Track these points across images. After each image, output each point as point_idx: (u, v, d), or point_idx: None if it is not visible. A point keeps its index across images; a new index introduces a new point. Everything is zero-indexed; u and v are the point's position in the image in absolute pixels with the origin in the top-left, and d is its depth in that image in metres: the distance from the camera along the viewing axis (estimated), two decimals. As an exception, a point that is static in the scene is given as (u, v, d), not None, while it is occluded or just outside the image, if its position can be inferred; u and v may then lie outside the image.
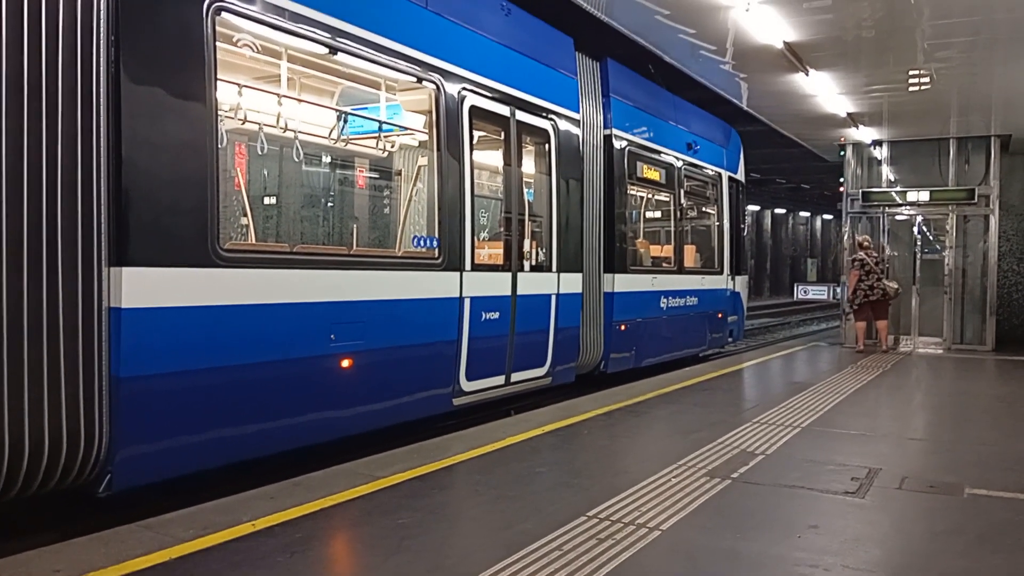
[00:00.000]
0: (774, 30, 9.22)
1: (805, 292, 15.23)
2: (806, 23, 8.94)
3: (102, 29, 4.17)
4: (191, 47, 4.66)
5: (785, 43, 9.61)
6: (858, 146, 15.45)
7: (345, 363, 5.67)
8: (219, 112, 4.96)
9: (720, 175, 13.05)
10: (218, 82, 4.86)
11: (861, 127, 14.31)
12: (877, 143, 15.41)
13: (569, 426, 6.61)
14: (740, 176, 14.02)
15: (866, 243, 13.24)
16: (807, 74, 10.84)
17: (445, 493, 4.71)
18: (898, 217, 15.10)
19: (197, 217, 4.64)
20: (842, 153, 15.49)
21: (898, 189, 14.83)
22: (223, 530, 3.86)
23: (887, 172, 15.64)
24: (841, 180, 15.57)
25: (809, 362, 12.52)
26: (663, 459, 5.43)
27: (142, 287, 4.32)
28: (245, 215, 6.10)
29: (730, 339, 13.72)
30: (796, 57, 10.13)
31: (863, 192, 14.78)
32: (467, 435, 6.17)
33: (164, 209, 4.50)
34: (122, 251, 4.22)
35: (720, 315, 12.90)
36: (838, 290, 14.51)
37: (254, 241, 6.07)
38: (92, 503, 4.49)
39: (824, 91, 11.96)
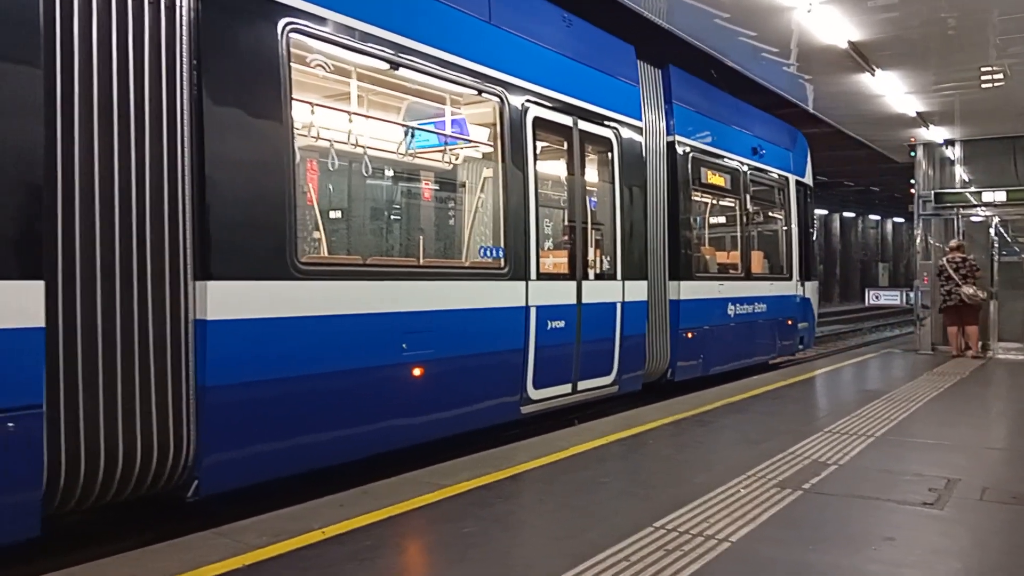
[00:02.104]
0: (838, 30, 9.04)
1: (876, 297, 14.74)
2: (870, 22, 8.75)
3: (184, 54, 4.39)
4: (267, 68, 4.85)
5: (850, 43, 9.42)
6: (929, 146, 15.00)
7: (416, 371, 5.80)
8: (294, 130, 5.12)
9: (787, 179, 12.80)
10: (293, 101, 5.04)
11: (932, 127, 13.90)
12: (949, 143, 14.94)
13: (634, 436, 6.56)
14: (808, 180, 13.79)
15: (954, 247, 12.83)
16: (873, 74, 10.59)
17: (509, 502, 4.72)
18: (973, 219, 14.58)
19: (276, 232, 4.82)
20: (912, 154, 15.06)
21: (972, 190, 14.32)
22: (294, 537, 3.93)
23: (960, 172, 15.14)
24: (912, 181, 15.14)
25: (882, 369, 12.16)
26: (731, 469, 5.33)
27: (225, 300, 4.50)
28: (318, 229, 6.26)
29: (800, 346, 13.46)
30: (861, 57, 9.90)
31: (935, 193, 14.32)
32: (531, 444, 6.16)
33: (244, 224, 4.70)
34: (206, 265, 4.41)
35: (790, 322, 12.68)
36: (911, 295, 14.07)
37: (328, 254, 6.21)
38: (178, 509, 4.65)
39: (892, 91, 11.67)
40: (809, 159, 14.00)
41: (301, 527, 4.08)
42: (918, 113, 12.93)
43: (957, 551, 4.01)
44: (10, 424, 3.57)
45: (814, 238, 14.11)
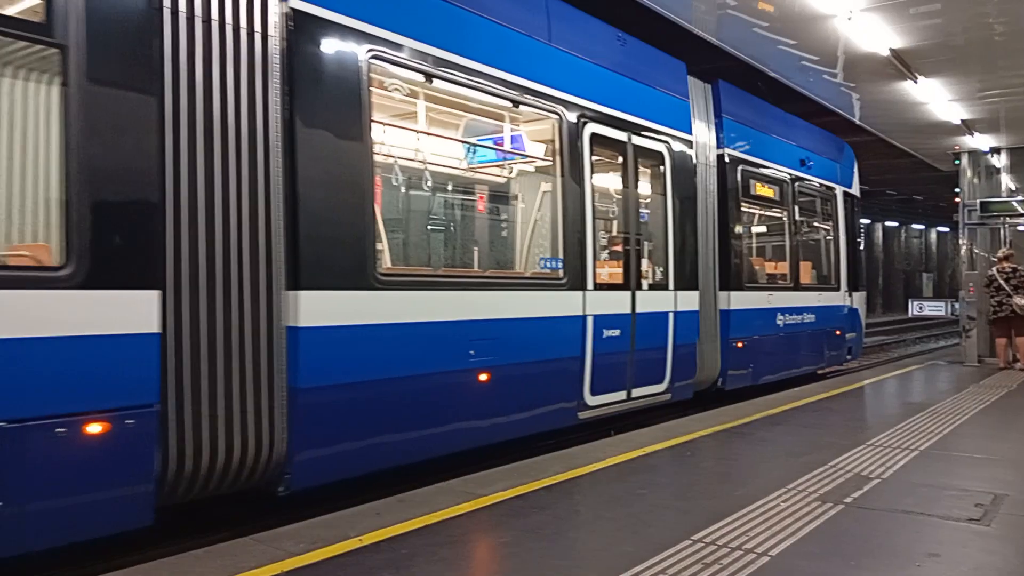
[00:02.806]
0: (879, 37, 8.94)
1: (921, 308, 14.42)
2: (912, 29, 8.64)
3: (277, 82, 4.75)
4: (351, 93, 5.22)
5: (891, 50, 9.30)
6: (974, 154, 14.72)
7: (483, 377, 6.10)
8: (373, 150, 5.46)
9: (834, 189, 12.78)
10: (372, 123, 5.40)
11: (976, 134, 13.64)
12: (995, 150, 14.65)
13: (672, 447, 6.50)
14: (855, 190, 13.73)
15: (1004, 256, 12.54)
16: (916, 81, 10.44)
17: (545, 513, 4.70)
18: (1020, 227, 14.25)
19: (358, 245, 5.21)
20: (957, 162, 14.79)
21: (1020, 198, 14.00)
22: (331, 544, 3.97)
23: (1007, 181, 14.83)
24: (956, 190, 14.86)
25: (927, 381, 11.92)
26: (771, 483, 5.26)
27: (313, 308, 4.85)
28: (394, 242, 6.65)
29: (848, 356, 13.38)
30: (904, 64, 9.77)
31: (981, 202, 14.02)
32: (566, 455, 6.14)
33: (331, 238, 5.05)
34: (296, 276, 4.77)
35: (838, 332, 12.61)
36: (956, 306, 13.77)
37: (403, 265, 6.56)
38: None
39: (935, 98, 11.49)
40: (856, 170, 13.94)
41: (338, 535, 4.11)
42: (962, 121, 12.70)
43: (1004, 568, 3.90)
44: (129, 421, 3.97)
45: (861, 248, 14.16)
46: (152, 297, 4.12)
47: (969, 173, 14.64)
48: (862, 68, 10.06)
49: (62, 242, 3.85)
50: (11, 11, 3.85)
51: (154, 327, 4.10)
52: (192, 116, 4.33)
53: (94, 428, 3.88)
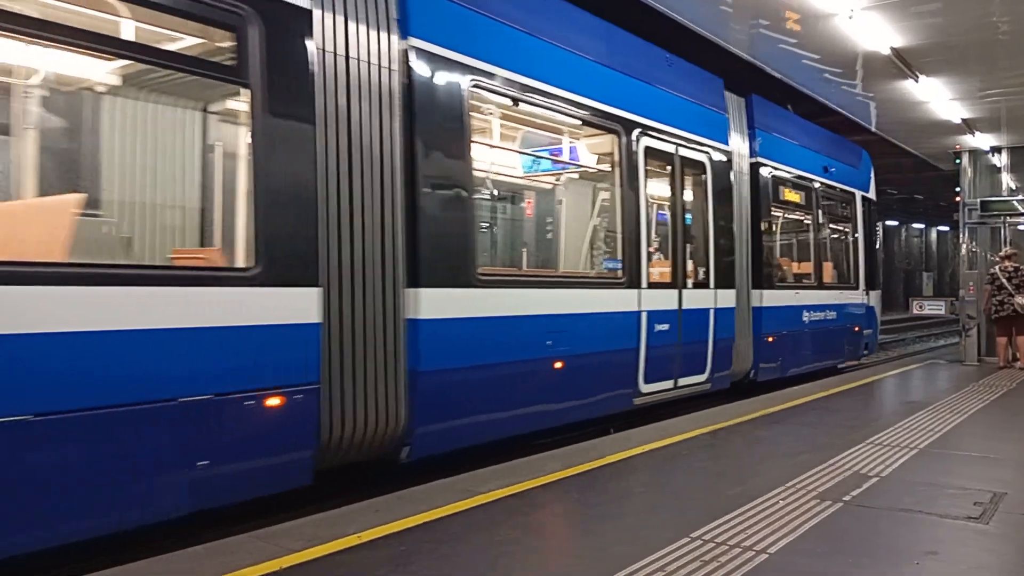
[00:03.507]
0: (880, 36, 8.92)
1: (921, 307, 14.44)
2: (914, 27, 8.63)
3: (399, 108, 5.48)
4: (456, 117, 6.01)
5: (892, 49, 9.29)
6: (975, 153, 14.71)
7: (557, 365, 6.85)
8: (473, 166, 6.31)
9: (854, 194, 13.41)
10: (472, 143, 6.22)
11: (977, 133, 13.64)
12: (995, 150, 14.64)
13: (668, 446, 6.50)
14: (872, 195, 14.26)
15: (1006, 256, 12.53)
16: (917, 80, 10.44)
17: (542, 511, 4.70)
18: (1021, 227, 14.24)
19: (464, 248, 6.06)
20: (957, 161, 14.79)
21: (1020, 198, 13.99)
22: (330, 542, 3.97)
23: (1007, 180, 14.83)
24: (957, 189, 14.85)
25: (926, 380, 11.92)
26: (770, 481, 5.26)
27: (429, 303, 5.61)
28: (489, 245, 7.69)
29: (865, 351, 13.96)
30: (904, 63, 9.77)
31: (982, 201, 14.02)
32: (562, 453, 6.14)
33: (442, 243, 5.84)
34: (415, 276, 5.54)
35: (856, 328, 13.26)
36: (956, 305, 13.79)
37: (495, 266, 7.42)
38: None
39: (936, 97, 11.49)
40: (872, 175, 14.39)
41: (337, 532, 4.11)
42: (963, 120, 12.70)
43: (1003, 567, 3.90)
44: (298, 396, 4.70)
45: (877, 248, 14.84)
46: (314, 293, 4.87)
47: (970, 172, 14.64)
48: (863, 67, 10.05)
49: (251, 247, 4.65)
50: (215, 59, 4.74)
51: (316, 318, 4.85)
52: (337, 140, 5.09)
53: (273, 401, 4.61)
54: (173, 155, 5.86)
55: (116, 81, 5.37)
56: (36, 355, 3.64)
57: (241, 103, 4.83)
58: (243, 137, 4.83)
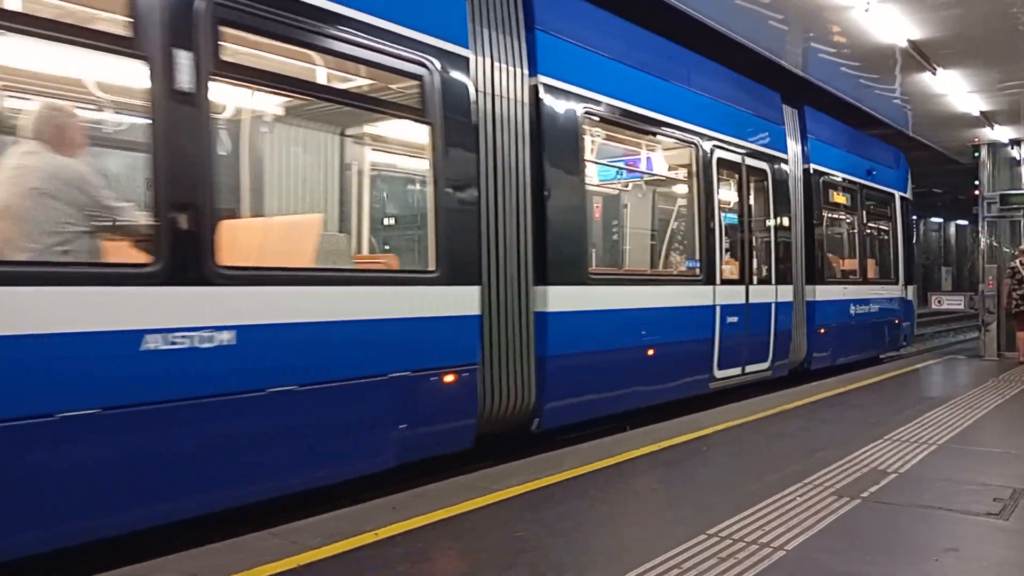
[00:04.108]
0: (897, 28, 8.85)
1: (939, 302, 14.37)
2: (931, 19, 8.57)
3: (528, 135, 6.45)
4: (573, 138, 7.01)
5: (910, 41, 9.22)
6: (994, 146, 14.58)
7: (650, 352, 7.78)
8: (585, 181, 7.39)
9: (893, 195, 14.26)
10: (584, 161, 7.33)
11: (997, 126, 13.51)
12: (1015, 142, 14.50)
13: (688, 442, 6.49)
14: (908, 194, 15.03)
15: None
16: (935, 73, 10.35)
17: (560, 507, 4.71)
18: (1041, 220, 14.10)
19: (579, 252, 7.14)
20: (976, 154, 14.65)
21: (1041, 191, 13.84)
22: (348, 539, 3.99)
23: (1028, 173, 14.65)
24: (976, 183, 14.71)
25: (945, 376, 11.83)
26: (788, 477, 5.24)
27: (551, 298, 6.56)
28: (596, 249, 8.72)
29: (903, 343, 14.75)
30: (922, 56, 9.68)
31: (1001, 195, 13.88)
32: (580, 450, 6.14)
33: (563, 247, 6.80)
34: (543, 276, 6.54)
35: (896, 320, 14.13)
36: (975, 299, 13.69)
37: (601, 267, 8.50)
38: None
39: (954, 90, 11.39)
40: (909, 176, 15.16)
41: (354, 529, 4.13)
42: (982, 112, 12.59)
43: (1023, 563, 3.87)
44: (465, 374, 5.73)
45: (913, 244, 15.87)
46: (476, 291, 5.89)
47: (989, 165, 14.53)
48: (880, 60, 9.97)
49: (434, 253, 5.60)
50: (405, 102, 5.72)
51: (478, 310, 5.88)
52: (487, 164, 6.06)
53: (449, 378, 5.60)
54: (378, 184, 7.52)
55: (345, 131, 7.25)
56: (303, 339, 4.64)
57: (424, 138, 5.75)
58: (427, 166, 5.72)
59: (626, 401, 7.53)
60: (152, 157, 4.05)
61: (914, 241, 15.96)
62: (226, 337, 4.22)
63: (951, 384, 11.02)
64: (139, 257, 4.08)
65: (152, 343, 3.90)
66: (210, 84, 4.24)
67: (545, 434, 6.73)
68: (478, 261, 5.95)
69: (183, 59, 4.08)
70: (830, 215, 12.22)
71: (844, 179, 12.30)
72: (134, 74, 4.23)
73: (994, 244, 14.24)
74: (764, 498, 4.73)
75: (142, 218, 4.16)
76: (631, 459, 5.84)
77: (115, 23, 4.10)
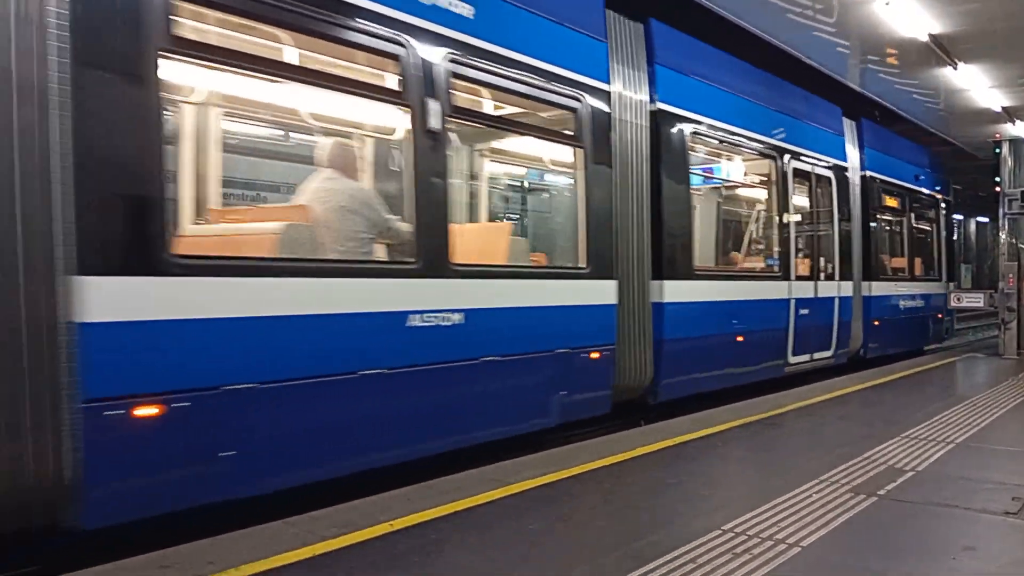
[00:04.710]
0: (917, 23, 8.77)
1: (959, 300, 14.37)
2: (952, 14, 8.48)
3: (647, 152, 7.70)
4: (683, 155, 8.25)
5: (931, 36, 9.12)
6: (1015, 142, 14.40)
7: (739, 339, 8.98)
8: (691, 190, 8.53)
9: (936, 197, 15.41)
10: (690, 173, 8.48)
11: (1018, 121, 13.34)
12: (1038, 138, 14.29)
13: (703, 438, 6.47)
14: (950, 197, 16.25)
15: None
16: (955, 67, 10.24)
17: (574, 501, 4.71)
18: (1063, 218, 13.93)
19: (687, 251, 8.29)
20: (997, 150, 14.48)
21: (1063, 188, 13.67)
22: (362, 529, 4.01)
23: (1050, 170, 14.47)
24: (997, 180, 14.55)
25: (964, 374, 11.73)
26: (803, 474, 5.22)
27: (668, 291, 7.80)
28: (696, 247, 9.70)
29: (946, 336, 15.98)
30: (943, 50, 9.59)
31: (1022, 192, 13.71)
32: (594, 445, 6.14)
33: (675, 247, 8.03)
34: (659, 271, 7.78)
35: (940, 315, 15.27)
36: (995, 297, 13.57)
37: (702, 264, 9.32)
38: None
39: (975, 85, 11.27)
40: (949, 179, 16.46)
41: (369, 520, 4.15)
42: (1003, 108, 12.44)
43: (1043, 563, 3.83)
44: (606, 352, 6.97)
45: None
46: (613, 284, 7.13)
47: (1010, 161, 14.34)
48: (900, 54, 9.88)
49: (584, 253, 6.88)
50: (565, 130, 6.90)
51: (615, 300, 7.11)
52: (618, 178, 7.27)
53: (595, 355, 6.85)
54: (542, 197, 8.85)
55: (519, 155, 8.64)
56: (502, 321, 5.93)
57: (577, 159, 6.96)
58: (578, 182, 6.95)
59: (720, 381, 8.73)
60: (413, 180, 5.32)
61: (954, 240, 17.24)
62: (457, 318, 5.50)
63: (969, 382, 10.93)
64: (405, 257, 5.38)
65: (414, 321, 5.21)
66: (447, 124, 5.51)
67: (659, 405, 7.97)
68: (614, 259, 7.14)
69: (433, 108, 5.33)
70: (883, 217, 13.37)
71: (895, 184, 13.44)
72: (400, 118, 5.63)
73: (1013, 241, 14.07)
74: (780, 494, 4.71)
75: (406, 227, 5.43)
76: (646, 454, 5.84)
77: (390, 81, 5.43)
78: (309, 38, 4.96)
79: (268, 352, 4.42)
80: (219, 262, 4.38)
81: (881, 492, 4.82)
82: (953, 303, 14.32)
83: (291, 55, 5.07)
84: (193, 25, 4.48)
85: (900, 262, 13.98)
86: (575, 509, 4.58)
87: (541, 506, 4.52)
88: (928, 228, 15.23)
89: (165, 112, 4.19)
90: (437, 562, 3.67)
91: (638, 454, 5.81)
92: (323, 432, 4.75)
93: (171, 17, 4.03)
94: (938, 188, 15.52)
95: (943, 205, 15.63)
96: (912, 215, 14.20)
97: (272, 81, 5.05)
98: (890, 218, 13.86)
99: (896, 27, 8.86)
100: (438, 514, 4.30)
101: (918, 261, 14.53)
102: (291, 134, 7.46)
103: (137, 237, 3.95)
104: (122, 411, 3.81)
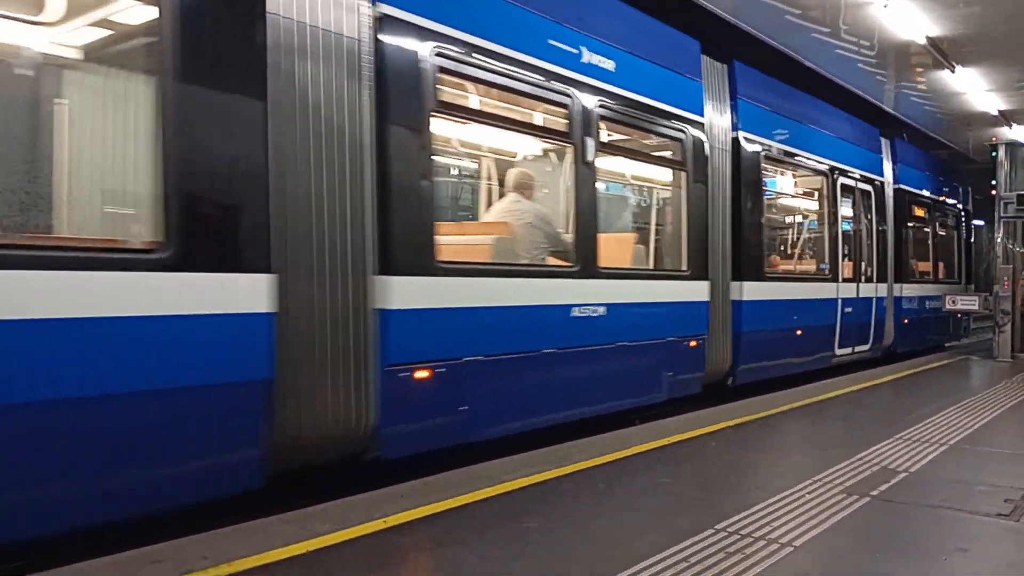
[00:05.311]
0: (915, 26, 8.77)
1: (954, 303, 14.56)
2: (950, 17, 8.49)
3: (730, 172, 9.05)
4: (757, 174, 9.60)
5: (928, 39, 9.14)
6: (1011, 146, 14.42)
7: (799, 332, 10.39)
8: (764, 204, 9.96)
9: (958, 208, 17.04)
10: (763, 190, 9.90)
11: (1015, 125, 13.36)
12: (1034, 142, 14.31)
13: (695, 438, 6.49)
14: (969, 207, 17.81)
15: None
16: (953, 71, 10.25)
17: (569, 500, 4.72)
18: (1059, 222, 13.98)
19: (760, 256, 9.68)
20: (994, 154, 14.50)
21: (1059, 192, 13.70)
22: (357, 525, 4.02)
23: (1046, 174, 14.51)
24: (993, 183, 14.59)
25: (958, 376, 11.77)
26: (796, 474, 5.24)
27: (744, 289, 9.12)
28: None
29: (964, 334, 17.43)
30: (941, 53, 9.60)
31: (1018, 195, 13.74)
32: (589, 443, 6.14)
33: (751, 252, 9.35)
34: (738, 273, 9.12)
35: (960, 316, 16.55)
36: (990, 300, 13.65)
37: (769, 267, 10.57)
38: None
39: (972, 88, 11.28)
40: (970, 190, 17.90)
41: (364, 516, 4.16)
42: (1000, 111, 12.46)
43: (1034, 565, 3.85)
44: (701, 341, 8.30)
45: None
46: (707, 284, 8.41)
47: (1007, 165, 14.35)
48: (898, 57, 9.89)
49: (685, 257, 8.15)
50: (674, 157, 8.21)
51: (707, 298, 8.39)
52: (710, 195, 8.55)
53: (693, 343, 8.16)
54: (653, 211, 9.48)
55: (635, 177, 9.36)
56: (629, 313, 7.27)
57: (682, 180, 8.17)
58: (683, 198, 8.18)
59: (783, 369, 10.04)
60: (574, 201, 6.75)
61: (972, 247, 18.81)
62: (601, 310, 6.86)
63: (964, 385, 10.97)
64: (568, 262, 6.75)
65: (575, 312, 6.62)
66: (598, 157, 6.94)
67: (737, 388, 9.13)
68: (708, 261, 8.42)
69: (590, 143, 6.75)
70: (912, 226, 14.61)
71: (924, 196, 14.95)
72: (566, 152, 7.00)
73: (1009, 244, 14.13)
74: (773, 495, 4.73)
75: (569, 239, 6.84)
76: (639, 453, 5.85)
77: (561, 124, 6.81)
78: (516, 96, 6.49)
79: (489, 333, 5.85)
80: (461, 266, 5.74)
81: (874, 493, 4.84)
82: (948, 306, 14.32)
83: (498, 107, 6.67)
84: (449, 92, 5.91)
85: (926, 266, 15.30)
86: (570, 508, 4.59)
87: (536, 505, 4.53)
88: (950, 235, 16.70)
89: (435, 155, 5.76)
90: (433, 559, 3.69)
91: (634, 452, 5.82)
92: (519, 396, 6.19)
93: (438, 87, 5.51)
94: (959, 198, 17.07)
95: (963, 214, 17.20)
96: (936, 223, 15.68)
97: (481, 126, 6.66)
98: (918, 226, 15.07)
99: (895, 30, 8.87)
100: (433, 511, 4.30)
101: (941, 265, 15.93)
102: (483, 164, 8.34)
103: (418, 248, 5.34)
104: (407, 374, 5.20)
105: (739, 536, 4.00)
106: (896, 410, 8.46)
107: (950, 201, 16.50)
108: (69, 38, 4.46)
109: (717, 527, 4.12)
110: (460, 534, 4.02)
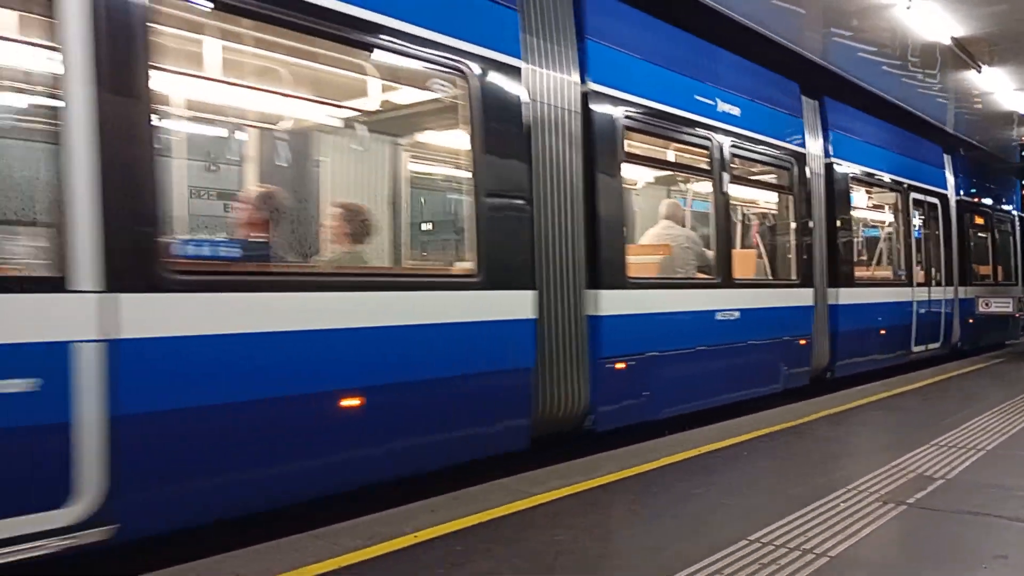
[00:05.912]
0: (939, 26, 8.69)
1: (987, 305, 14.61)
2: (976, 16, 8.41)
3: (824, 196, 10.26)
4: (846, 199, 10.89)
5: (953, 39, 9.04)
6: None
7: (883, 332, 11.51)
8: (852, 226, 11.10)
9: (1012, 214, 18.34)
10: (851, 213, 11.10)
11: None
12: (1063, 141, 14.09)
13: (729, 447, 6.42)
14: (1022, 212, 19.07)
15: None
16: (979, 71, 10.14)
17: (599, 511, 4.69)
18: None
19: (850, 265, 10.82)
20: (1023, 153, 14.32)
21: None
22: (387, 540, 4.02)
23: (1077, 173, 14.31)
24: (1022, 183, 14.43)
25: (993, 379, 11.55)
26: (831, 483, 5.17)
27: (837, 295, 10.22)
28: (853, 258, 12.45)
29: (1021, 333, 18.19)
30: (967, 53, 9.50)
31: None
32: (618, 455, 6.10)
33: (843, 262, 10.46)
34: (834, 280, 10.23)
35: (1017, 315, 17.32)
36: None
37: (858, 274, 11.61)
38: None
39: (1000, 88, 11.14)
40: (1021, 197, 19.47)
41: (394, 531, 4.16)
42: (1029, 110, 12.26)
43: (1078, 573, 3.76)
44: (808, 340, 9.49)
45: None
46: (811, 291, 9.57)
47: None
48: (923, 58, 9.80)
49: (798, 267, 9.50)
50: (784, 184, 9.49)
51: (812, 302, 9.58)
52: (812, 215, 9.87)
53: (802, 342, 9.42)
54: (771, 230, 10.23)
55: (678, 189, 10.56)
56: (754, 317, 8.46)
57: (791, 203, 9.53)
58: (792, 219, 9.53)
59: (872, 364, 11.14)
60: (715, 223, 8.22)
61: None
62: (736, 315, 8.14)
63: (1000, 388, 10.76)
64: (712, 275, 8.13)
65: (718, 316, 7.97)
66: (730, 186, 8.33)
67: (833, 382, 10.22)
68: (811, 272, 9.64)
69: (725, 177, 8.11)
70: (974, 233, 15.75)
71: (984, 206, 16.27)
72: (707, 186, 8.55)
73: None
74: (807, 504, 4.67)
75: (711, 255, 8.17)
76: (672, 463, 5.80)
77: (702, 163, 8.32)
78: (674, 143, 8.15)
79: (662, 334, 7.22)
80: (642, 280, 7.23)
81: (911, 500, 4.76)
82: (981, 308, 14.43)
83: (661, 152, 8.52)
84: (632, 144, 7.42)
85: (986, 269, 16.54)
86: (600, 520, 4.56)
87: (567, 517, 4.50)
88: (1006, 239, 17.96)
89: (628, 193, 7.98)
90: (462, 573, 3.67)
91: (664, 463, 5.78)
92: (682, 384, 7.46)
93: (626, 141, 7.13)
94: (1013, 205, 18.53)
95: (1019, 220, 18.67)
96: (994, 229, 16.84)
97: (649, 168, 8.93)
98: (978, 233, 16.24)
99: (918, 31, 8.79)
100: (463, 525, 4.29)
101: (999, 268, 17.22)
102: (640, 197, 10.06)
103: (617, 267, 6.79)
104: (611, 366, 6.62)
105: (773, 547, 3.94)
106: (930, 414, 8.33)
107: (1005, 207, 17.86)
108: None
109: (751, 537, 4.07)
110: (489, 547, 4.00)
